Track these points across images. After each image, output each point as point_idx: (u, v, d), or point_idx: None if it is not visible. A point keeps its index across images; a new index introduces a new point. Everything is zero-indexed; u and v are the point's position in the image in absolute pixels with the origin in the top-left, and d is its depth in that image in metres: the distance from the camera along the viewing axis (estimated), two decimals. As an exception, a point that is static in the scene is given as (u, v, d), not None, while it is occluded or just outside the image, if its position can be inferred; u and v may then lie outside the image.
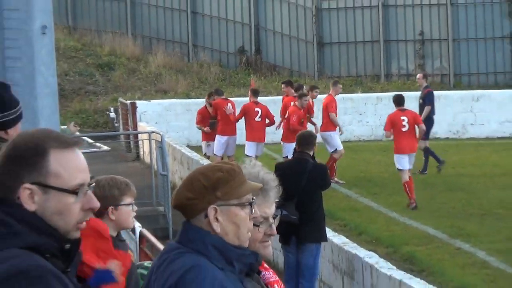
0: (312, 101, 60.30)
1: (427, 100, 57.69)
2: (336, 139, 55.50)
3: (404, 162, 47.81)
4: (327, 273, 29.78)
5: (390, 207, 39.58)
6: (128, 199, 11.60)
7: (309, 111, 57.61)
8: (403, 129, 49.22)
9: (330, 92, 58.35)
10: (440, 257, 30.03)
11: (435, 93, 67.62)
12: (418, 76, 58.14)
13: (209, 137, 57.53)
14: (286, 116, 55.83)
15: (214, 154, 56.71)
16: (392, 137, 51.59)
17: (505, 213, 39.73)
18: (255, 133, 56.17)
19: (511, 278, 26.96)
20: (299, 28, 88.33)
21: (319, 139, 47.98)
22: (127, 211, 11.58)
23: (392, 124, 49.96)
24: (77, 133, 43.39)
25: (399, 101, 52.21)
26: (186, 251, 7.06)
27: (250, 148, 55.40)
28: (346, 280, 27.62)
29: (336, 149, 54.57)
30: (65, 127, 30.10)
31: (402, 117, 49.81)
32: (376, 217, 38.59)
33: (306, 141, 27.12)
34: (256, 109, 57.26)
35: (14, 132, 10.02)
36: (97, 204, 5.50)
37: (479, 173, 55.61)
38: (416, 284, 20.90)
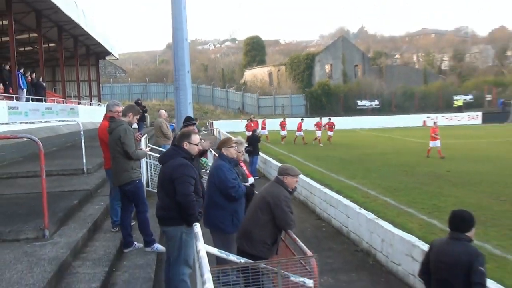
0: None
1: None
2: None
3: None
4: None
5: (307, 159, 23.76)
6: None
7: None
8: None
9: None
10: (316, 174, 17.87)
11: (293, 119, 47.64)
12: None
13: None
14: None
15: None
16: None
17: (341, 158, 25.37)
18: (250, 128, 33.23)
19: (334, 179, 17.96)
20: (251, 106, 62.38)
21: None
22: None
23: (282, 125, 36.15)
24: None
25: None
26: (220, 160, 7.06)
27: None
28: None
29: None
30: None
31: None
32: (288, 158, 24.39)
33: (255, 131, 20.71)
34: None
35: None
36: (203, 146, 6.57)
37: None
38: (307, 180, 14.19)
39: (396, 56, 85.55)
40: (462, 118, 56.62)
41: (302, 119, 36.44)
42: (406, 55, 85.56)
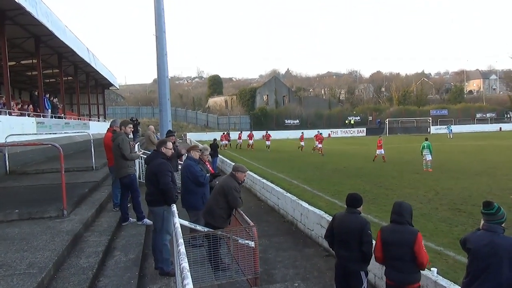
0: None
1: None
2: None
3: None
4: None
5: (252, 159, 22.63)
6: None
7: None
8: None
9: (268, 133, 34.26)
10: (257, 170, 15.00)
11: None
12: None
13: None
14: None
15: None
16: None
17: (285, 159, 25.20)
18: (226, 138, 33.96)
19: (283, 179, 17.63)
20: (213, 123, 60.39)
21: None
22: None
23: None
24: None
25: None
26: (188, 160, 6.83)
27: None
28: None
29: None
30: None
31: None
32: (239, 159, 23.60)
33: (215, 140, 19.42)
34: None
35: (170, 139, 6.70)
36: (172, 152, 5.56)
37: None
38: (251, 173, 13.82)
39: (310, 90, 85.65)
40: (353, 132, 57.63)
41: (302, 132, 32.36)
42: (317, 90, 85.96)
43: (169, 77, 12.33)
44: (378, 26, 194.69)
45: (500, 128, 58.26)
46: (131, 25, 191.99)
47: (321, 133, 28.89)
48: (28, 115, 15.82)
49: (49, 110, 19.23)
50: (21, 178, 9.77)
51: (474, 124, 61.13)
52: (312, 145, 28.79)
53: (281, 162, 22.09)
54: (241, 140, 34.27)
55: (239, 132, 35.84)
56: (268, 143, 32.40)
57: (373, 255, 4.40)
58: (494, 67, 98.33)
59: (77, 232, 5.55)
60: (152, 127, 13.92)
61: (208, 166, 7.83)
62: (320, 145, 26.70)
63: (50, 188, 8.09)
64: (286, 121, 60.93)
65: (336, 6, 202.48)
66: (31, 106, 18.30)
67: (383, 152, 21.19)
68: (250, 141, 33.40)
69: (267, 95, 67.01)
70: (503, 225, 3.63)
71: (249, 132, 34.40)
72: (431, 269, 4.97)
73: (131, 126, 7.66)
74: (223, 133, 36.51)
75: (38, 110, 18.06)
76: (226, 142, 35.01)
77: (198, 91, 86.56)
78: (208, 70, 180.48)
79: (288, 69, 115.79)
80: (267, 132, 35.27)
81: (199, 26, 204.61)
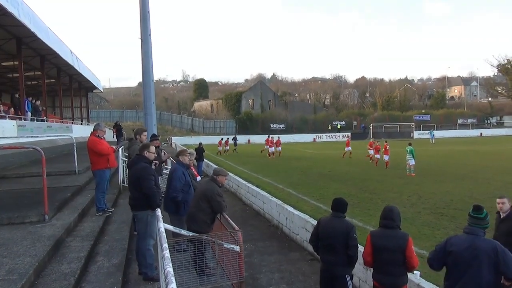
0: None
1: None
2: None
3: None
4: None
5: (237, 164, 22.66)
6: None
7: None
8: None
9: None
10: (243, 174, 18.35)
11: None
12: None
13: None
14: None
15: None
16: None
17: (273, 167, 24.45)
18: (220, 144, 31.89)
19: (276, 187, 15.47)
20: (198, 127, 60.74)
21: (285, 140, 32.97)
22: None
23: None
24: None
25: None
26: (177, 164, 6.64)
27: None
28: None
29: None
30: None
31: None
32: (224, 163, 22.78)
33: (200, 144, 19.98)
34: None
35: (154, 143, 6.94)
36: (154, 156, 5.54)
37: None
38: (236, 177, 14.23)
39: (296, 95, 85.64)
40: (338, 136, 57.70)
41: (348, 136, 28.81)
42: (303, 94, 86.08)
43: (154, 81, 12.26)
44: (363, 32, 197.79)
45: (481, 133, 59.40)
46: (116, 27, 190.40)
47: (377, 141, 24.46)
48: (9, 118, 15.51)
49: (29, 113, 18.88)
50: (1, 182, 9.59)
51: (456, 129, 62.28)
52: (365, 153, 25.48)
53: (266, 166, 22.12)
54: (280, 148, 29.99)
55: (277, 138, 31.38)
56: (271, 149, 28.90)
57: (362, 259, 4.43)
58: (475, 74, 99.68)
59: (59, 237, 5.46)
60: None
61: (194, 170, 7.83)
62: (377, 156, 22.18)
63: (31, 192, 7.95)
64: (271, 126, 60.84)
65: (322, 11, 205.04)
66: (12, 108, 17.92)
67: (387, 158, 20.41)
68: (279, 148, 29.69)
69: (253, 100, 67.03)
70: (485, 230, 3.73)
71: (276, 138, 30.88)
72: (414, 272, 4.98)
73: (146, 134, 7.79)
74: (227, 138, 34.74)
75: (20, 113, 17.72)
76: (227, 148, 33.00)
77: (183, 95, 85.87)
78: (194, 74, 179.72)
79: (274, 73, 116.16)
80: (269, 136, 31.84)
81: (185, 29, 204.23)
